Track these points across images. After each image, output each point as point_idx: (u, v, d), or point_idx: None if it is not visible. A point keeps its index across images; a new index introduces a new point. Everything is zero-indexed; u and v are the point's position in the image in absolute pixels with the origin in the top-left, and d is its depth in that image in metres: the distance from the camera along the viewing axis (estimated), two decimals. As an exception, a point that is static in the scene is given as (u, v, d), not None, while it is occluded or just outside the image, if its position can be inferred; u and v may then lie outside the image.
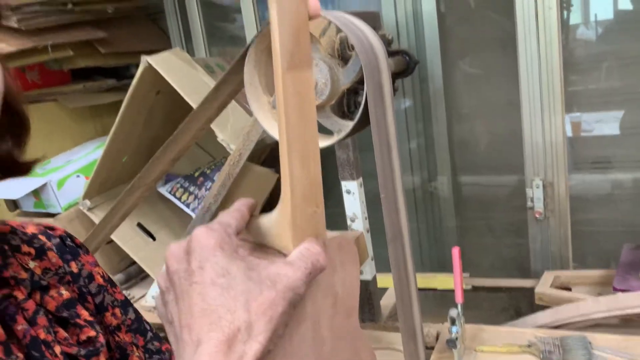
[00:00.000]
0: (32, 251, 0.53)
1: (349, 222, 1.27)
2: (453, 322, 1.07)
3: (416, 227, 1.75)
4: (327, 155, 1.49)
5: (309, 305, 0.46)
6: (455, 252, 1.10)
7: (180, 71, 1.44)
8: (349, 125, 0.96)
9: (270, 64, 1.06)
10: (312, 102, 0.44)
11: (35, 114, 1.74)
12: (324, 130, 1.03)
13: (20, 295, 0.49)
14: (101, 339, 0.53)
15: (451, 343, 1.06)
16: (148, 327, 0.61)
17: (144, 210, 1.66)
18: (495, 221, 1.66)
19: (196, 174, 1.64)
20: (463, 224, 1.70)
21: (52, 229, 0.59)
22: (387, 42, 1.37)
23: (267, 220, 0.43)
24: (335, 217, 1.30)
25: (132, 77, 1.98)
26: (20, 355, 0.46)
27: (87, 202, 1.55)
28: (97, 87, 1.85)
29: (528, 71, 1.41)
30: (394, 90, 1.42)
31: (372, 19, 1.35)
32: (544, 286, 1.31)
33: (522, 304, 1.48)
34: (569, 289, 1.34)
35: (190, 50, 1.88)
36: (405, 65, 1.40)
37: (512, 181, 1.58)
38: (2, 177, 0.53)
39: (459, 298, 1.10)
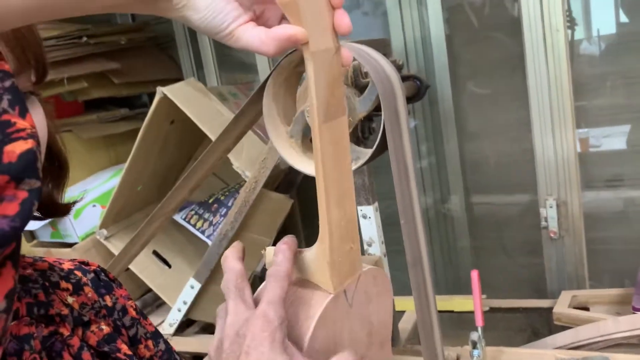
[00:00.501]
0: (70, 287, 0.55)
1: (365, 246, 1.28)
2: (474, 345, 1.07)
3: (430, 248, 1.75)
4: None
5: (346, 337, 0.47)
6: (475, 275, 1.11)
7: (195, 101, 1.46)
8: (367, 153, 0.97)
9: (288, 95, 1.08)
10: (347, 145, 0.46)
11: (51, 145, 1.77)
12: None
13: (65, 331, 0.50)
14: None
15: (473, 367, 1.06)
16: (177, 358, 0.62)
17: (159, 237, 1.67)
18: (509, 241, 1.67)
19: (210, 201, 1.65)
20: (477, 244, 1.71)
21: (86, 264, 0.60)
22: (397, 68, 1.39)
23: (309, 256, 0.45)
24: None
25: (144, 105, 2.02)
26: None
27: (104, 232, 1.57)
28: (111, 116, 1.88)
29: (538, 90, 1.42)
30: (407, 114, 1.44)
31: (382, 46, 1.38)
32: (562, 306, 1.31)
33: (539, 325, 1.48)
34: (586, 309, 1.34)
35: (201, 78, 1.91)
36: (417, 90, 1.42)
37: (524, 200, 1.59)
38: (43, 218, 0.54)
39: (479, 321, 1.10)
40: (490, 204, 1.67)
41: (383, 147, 1.01)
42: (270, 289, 0.43)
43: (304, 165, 1.02)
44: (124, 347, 0.55)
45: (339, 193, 0.44)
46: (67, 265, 0.57)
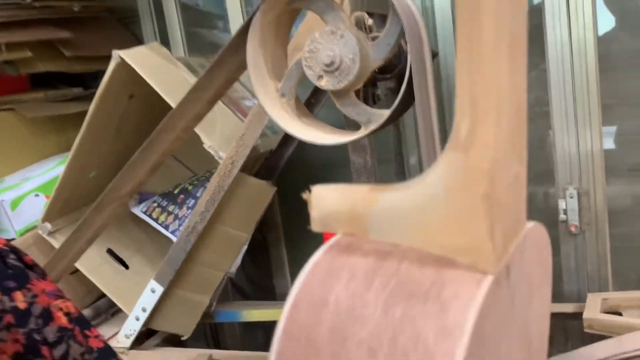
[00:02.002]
0: None
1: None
2: None
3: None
4: (340, 162, 1.29)
5: (508, 319, 0.28)
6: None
7: (159, 68, 1.23)
8: (382, 114, 0.76)
9: (279, 43, 0.84)
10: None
11: (-13, 124, 1.51)
12: (343, 124, 0.83)
13: None
14: None
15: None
16: None
17: (114, 234, 1.43)
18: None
19: (176, 191, 1.41)
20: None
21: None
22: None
23: (415, 197, 0.22)
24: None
25: (101, 84, 1.76)
26: None
27: (48, 225, 1.31)
28: (61, 95, 1.62)
29: (558, 66, 1.24)
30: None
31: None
32: (592, 311, 1.12)
33: (559, 333, 1.29)
34: (619, 314, 1.16)
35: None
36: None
37: (539, 192, 1.40)
38: None
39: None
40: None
41: (402, 109, 0.80)
42: None
43: (299, 129, 0.80)
44: None
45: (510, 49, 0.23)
46: None
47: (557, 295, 1.36)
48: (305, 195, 0.27)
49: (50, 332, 0.38)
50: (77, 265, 1.26)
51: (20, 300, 0.37)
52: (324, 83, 0.75)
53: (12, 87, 1.57)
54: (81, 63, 1.63)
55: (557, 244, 1.33)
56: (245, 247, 1.28)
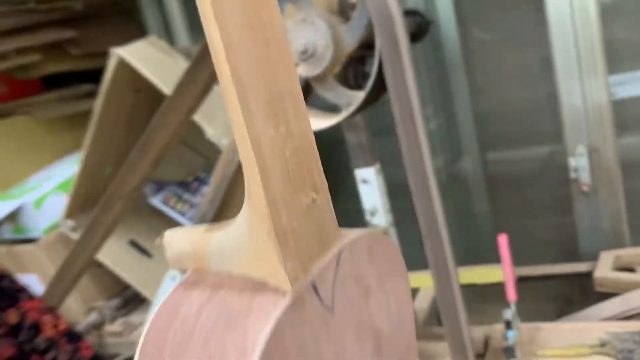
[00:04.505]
0: None
1: (368, 217, 1.08)
2: (509, 325, 0.87)
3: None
4: (336, 142, 1.30)
5: (323, 345, 0.29)
6: (503, 240, 0.91)
7: (159, 63, 1.26)
8: (359, 95, 0.77)
9: None
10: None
11: (5, 129, 1.57)
12: (329, 108, 0.84)
13: None
14: None
15: (509, 352, 0.87)
16: None
17: (136, 225, 1.48)
18: (533, 200, 1.46)
19: (190, 179, 1.45)
20: (496, 207, 1.50)
21: None
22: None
23: (233, 232, 0.25)
24: (352, 214, 1.11)
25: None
26: None
27: (70, 222, 1.37)
28: (73, 94, 1.67)
29: (560, 23, 1.21)
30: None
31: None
32: (604, 269, 1.12)
33: (573, 293, 1.29)
34: (632, 270, 1.15)
35: (170, 39, 1.70)
36: (417, 27, 1.21)
37: (548, 152, 1.38)
38: None
39: (511, 295, 0.91)
40: (509, 160, 1.45)
41: (380, 87, 0.81)
42: None
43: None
44: None
45: (267, 100, 0.25)
46: None
47: (573, 256, 1.35)
48: (157, 241, 0.29)
49: (41, 342, 0.42)
50: (101, 258, 1.32)
51: (12, 316, 0.41)
52: (301, 70, 0.76)
53: (26, 90, 1.62)
54: (90, 60, 1.66)
55: (570, 203, 1.31)
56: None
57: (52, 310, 0.46)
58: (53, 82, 1.70)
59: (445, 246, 0.81)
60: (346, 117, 0.77)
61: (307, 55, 0.75)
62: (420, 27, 1.21)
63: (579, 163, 1.26)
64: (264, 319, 0.24)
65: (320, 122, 0.79)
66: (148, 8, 1.72)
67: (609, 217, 1.28)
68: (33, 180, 1.50)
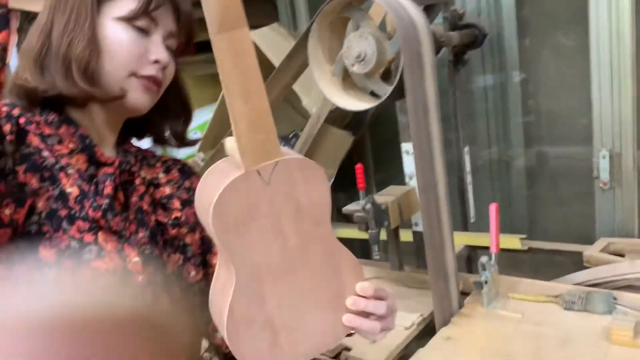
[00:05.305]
0: (162, 168, 0.81)
1: (407, 179, 1.43)
2: (483, 267, 1.20)
3: (491, 194, 1.85)
4: (390, 121, 1.64)
5: (264, 207, 0.58)
6: (493, 208, 1.23)
7: (277, 45, 1.67)
8: (387, 89, 1.13)
9: (335, 38, 1.26)
10: (249, 51, 0.54)
11: (166, 80, 2.09)
12: (374, 95, 1.20)
13: (138, 184, 0.75)
14: (184, 218, 0.77)
15: (478, 285, 1.20)
16: None
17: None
18: (564, 191, 1.71)
19: (290, 135, 1.88)
20: (534, 192, 1.77)
21: (179, 160, 0.86)
22: (457, 17, 1.50)
23: (235, 148, 0.58)
24: (400, 176, 1.47)
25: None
26: (132, 215, 0.72)
27: (201, 154, 1.86)
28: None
29: (599, 42, 1.44)
30: (464, 62, 1.55)
31: (443, -5, 1.47)
32: (593, 250, 1.38)
33: (575, 268, 1.54)
34: (622, 256, 1.39)
35: (295, 24, 2.11)
36: (474, 38, 1.52)
37: (579, 152, 1.63)
38: (177, 146, 0.82)
39: (493, 248, 1.23)
40: (547, 154, 1.72)
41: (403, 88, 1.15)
42: None
43: (342, 100, 1.20)
44: (177, 204, 0.78)
45: (242, 90, 0.54)
46: (164, 157, 0.84)
47: (588, 241, 1.60)
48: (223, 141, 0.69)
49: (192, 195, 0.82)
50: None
51: (187, 183, 0.83)
52: (355, 69, 1.13)
53: (185, 52, 2.13)
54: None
55: (592, 197, 1.56)
56: (331, 182, 1.71)
57: None
58: (202, 46, 2.19)
59: (442, 202, 1.14)
60: (380, 102, 1.13)
61: (360, 59, 1.11)
62: (477, 38, 1.52)
63: (601, 164, 1.50)
64: (230, 176, 0.55)
65: (365, 103, 1.16)
66: (281, -2, 2.14)
67: (622, 212, 1.51)
68: (180, 121, 2.01)
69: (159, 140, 0.82)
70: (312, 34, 1.15)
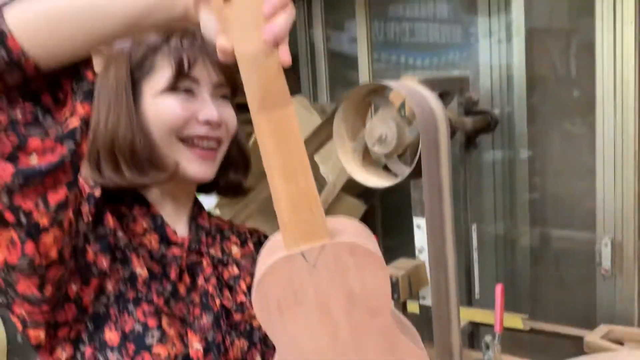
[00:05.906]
0: (238, 242, 0.81)
1: (417, 252, 1.49)
2: (487, 346, 1.24)
3: (495, 271, 1.90)
4: (404, 197, 1.71)
5: (311, 292, 0.54)
6: (498, 288, 1.28)
7: (300, 116, 1.77)
8: (405, 171, 1.20)
9: (358, 118, 1.36)
10: (294, 130, 0.52)
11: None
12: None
13: (206, 265, 0.74)
14: (248, 304, 0.75)
15: (481, 363, 1.23)
16: None
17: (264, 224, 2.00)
18: (566, 273, 1.77)
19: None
20: (537, 272, 1.83)
21: (256, 231, 0.86)
22: (472, 103, 1.60)
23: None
24: (411, 247, 1.53)
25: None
26: (197, 298, 0.71)
27: (217, 211, 1.92)
28: (244, 119, 2.24)
29: (604, 137, 1.53)
30: (475, 145, 1.64)
31: (460, 83, 1.58)
32: (594, 336, 1.42)
33: (574, 352, 1.57)
34: (621, 344, 1.43)
35: (315, 94, 2.22)
36: (487, 123, 1.61)
37: (582, 237, 1.69)
38: (228, 197, 0.81)
39: (497, 327, 1.27)
40: (552, 237, 1.78)
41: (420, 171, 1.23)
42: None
43: (361, 175, 1.27)
44: (244, 285, 0.75)
45: (284, 169, 0.51)
46: (242, 229, 0.84)
47: (589, 324, 1.64)
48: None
49: None
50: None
51: None
52: (377, 149, 1.21)
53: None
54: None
55: (594, 282, 1.61)
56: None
57: None
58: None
59: (450, 277, 1.20)
60: (396, 182, 1.20)
61: (381, 140, 1.20)
62: (489, 124, 1.61)
63: (603, 252, 1.56)
64: (275, 256, 0.53)
65: (384, 181, 1.23)
66: (303, 67, 2.25)
67: (622, 299, 1.56)
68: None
69: (217, 190, 0.80)
70: (338, 114, 1.25)
